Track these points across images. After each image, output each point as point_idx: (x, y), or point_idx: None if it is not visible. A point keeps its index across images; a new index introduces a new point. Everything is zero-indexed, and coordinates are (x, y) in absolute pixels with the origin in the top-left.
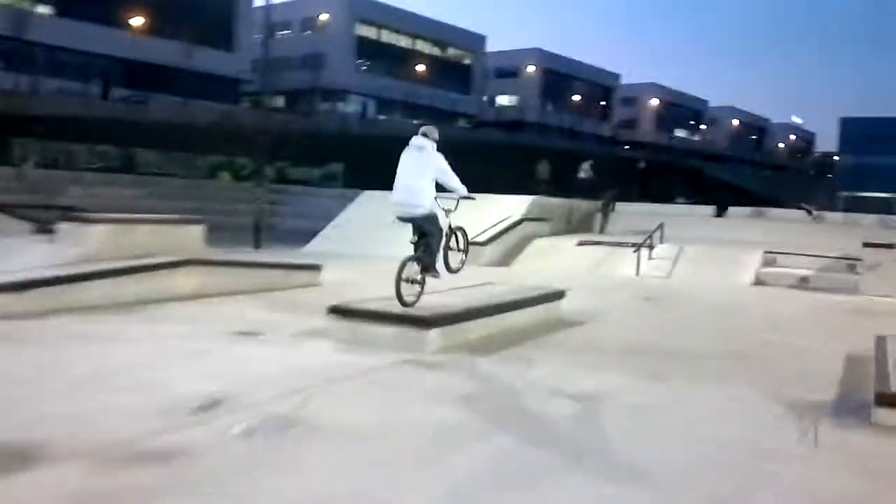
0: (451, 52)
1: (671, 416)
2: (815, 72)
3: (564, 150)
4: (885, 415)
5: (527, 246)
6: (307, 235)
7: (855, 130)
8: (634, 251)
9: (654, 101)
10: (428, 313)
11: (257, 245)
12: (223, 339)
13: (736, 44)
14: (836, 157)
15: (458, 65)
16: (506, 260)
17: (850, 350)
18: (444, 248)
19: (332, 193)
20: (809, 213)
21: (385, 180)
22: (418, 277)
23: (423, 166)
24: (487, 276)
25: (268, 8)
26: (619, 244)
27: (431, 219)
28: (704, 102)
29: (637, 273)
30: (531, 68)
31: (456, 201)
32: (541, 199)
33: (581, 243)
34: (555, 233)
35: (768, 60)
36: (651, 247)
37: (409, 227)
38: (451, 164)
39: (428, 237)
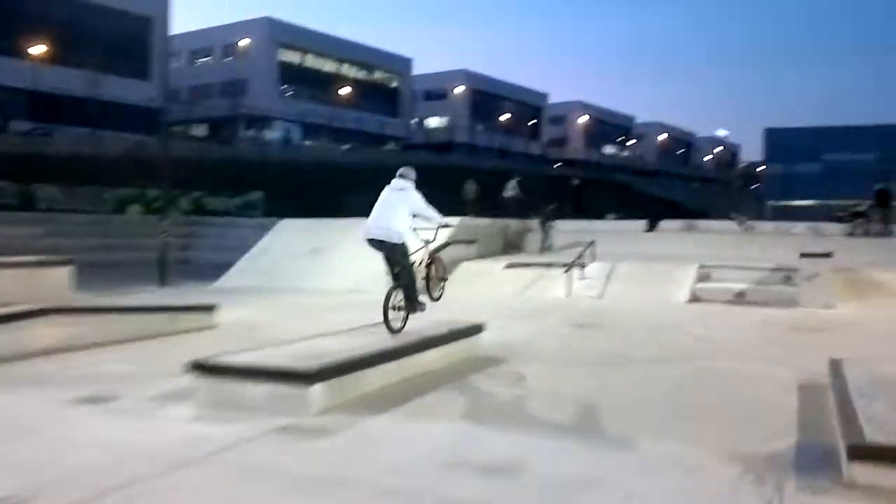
0: (378, 75)
1: (602, 494)
2: (739, 85)
3: (494, 169)
4: (860, 472)
5: (453, 270)
6: (224, 269)
7: (779, 141)
8: (565, 272)
9: (583, 119)
10: (312, 364)
11: (163, 282)
12: (60, 408)
13: (660, 60)
14: (760, 168)
15: (385, 88)
16: None
17: (802, 376)
18: (424, 278)
19: (252, 223)
20: (741, 223)
21: (310, 207)
22: (403, 304)
23: (401, 203)
24: None
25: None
26: (549, 265)
27: (401, 250)
28: (631, 119)
29: (568, 294)
30: (459, 89)
31: (435, 231)
32: (468, 221)
33: (510, 266)
34: (484, 255)
35: (693, 74)
36: (582, 266)
37: (361, 256)
38: (375, 187)
39: (399, 269)
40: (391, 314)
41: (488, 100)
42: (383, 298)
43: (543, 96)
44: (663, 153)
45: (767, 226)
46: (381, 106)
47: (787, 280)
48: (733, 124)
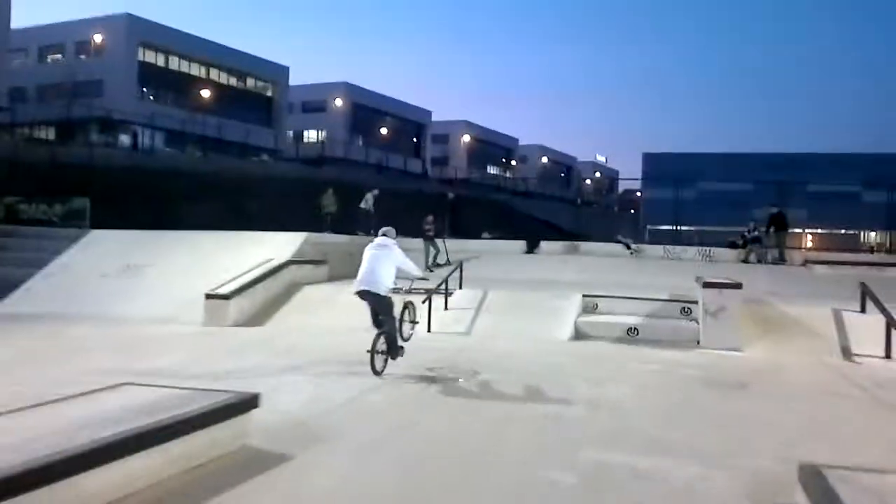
0: (252, 82)
1: None
2: (618, 112)
3: (371, 185)
4: None
5: (294, 295)
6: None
7: (656, 165)
8: (424, 301)
9: (466, 138)
10: None
11: None
12: None
13: (543, 85)
14: (638, 193)
15: (259, 96)
16: (260, 317)
17: (753, 488)
18: (399, 321)
19: (71, 234)
20: (628, 246)
21: (149, 217)
22: (385, 349)
23: (386, 259)
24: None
25: None
26: (411, 291)
27: (386, 303)
28: (515, 140)
29: (429, 329)
30: (339, 102)
31: (410, 281)
32: (317, 237)
33: None
34: (336, 277)
35: (575, 101)
36: (448, 294)
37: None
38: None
39: (382, 319)
40: (377, 358)
41: (369, 114)
42: (371, 344)
43: (427, 113)
44: (545, 176)
45: (657, 249)
46: (254, 115)
47: (686, 313)
48: (615, 151)
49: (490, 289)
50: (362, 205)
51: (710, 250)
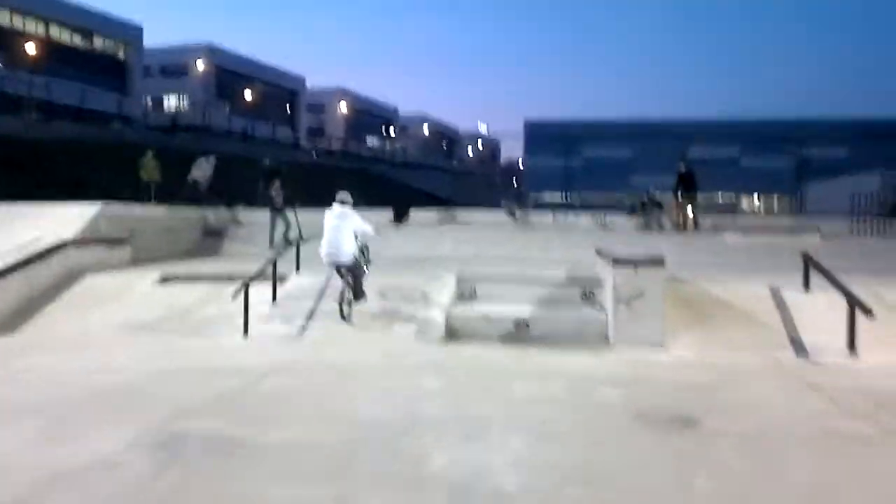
0: (100, 42)
1: None
2: (502, 81)
3: (234, 154)
4: None
5: (70, 288)
6: None
7: (539, 133)
8: (234, 296)
9: (343, 107)
10: None
11: None
12: None
13: (425, 54)
14: (520, 162)
15: (108, 57)
16: (14, 320)
17: None
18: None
19: None
20: (513, 213)
21: None
22: (352, 298)
23: (346, 227)
24: None
25: None
26: (230, 278)
27: (355, 265)
28: (395, 110)
29: (245, 333)
30: (201, 65)
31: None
32: (119, 210)
33: (165, 279)
34: (145, 260)
35: (457, 70)
36: (278, 280)
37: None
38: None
39: (353, 276)
40: (345, 308)
41: (235, 80)
42: (338, 294)
43: (301, 80)
44: (427, 147)
45: (545, 218)
46: (102, 78)
47: (588, 299)
48: (497, 120)
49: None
50: (193, 172)
51: (605, 216)
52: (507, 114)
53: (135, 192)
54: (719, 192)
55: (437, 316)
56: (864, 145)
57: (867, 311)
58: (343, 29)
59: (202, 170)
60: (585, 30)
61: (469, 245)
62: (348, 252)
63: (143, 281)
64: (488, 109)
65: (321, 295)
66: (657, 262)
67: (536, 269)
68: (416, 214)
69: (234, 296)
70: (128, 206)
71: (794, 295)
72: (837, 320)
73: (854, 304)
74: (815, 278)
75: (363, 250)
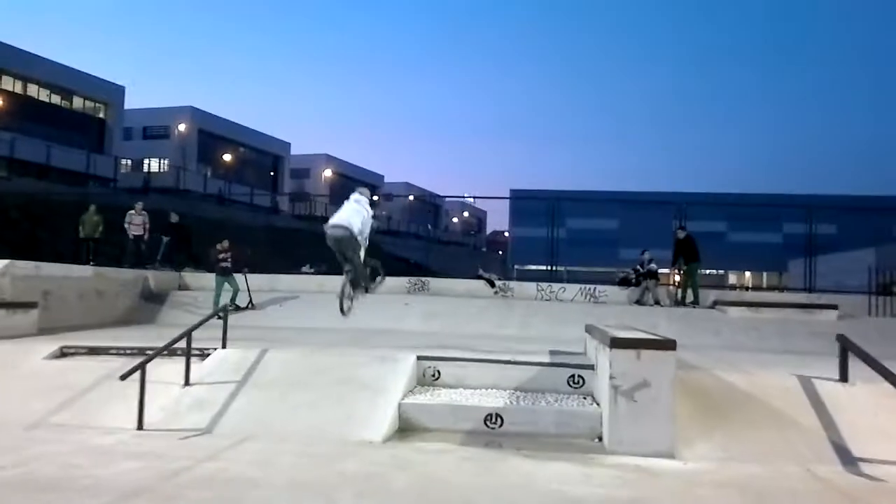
0: (80, 102)
1: None
2: (489, 152)
3: (212, 218)
4: None
5: None
6: None
7: (523, 203)
8: (124, 376)
9: (328, 173)
10: None
11: None
12: None
13: (411, 123)
14: (506, 234)
15: (88, 118)
16: None
17: None
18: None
19: None
20: (492, 283)
21: None
22: (352, 293)
23: (357, 210)
24: None
25: None
26: (142, 351)
27: (353, 243)
28: (381, 177)
29: (139, 426)
30: (183, 128)
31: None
32: (28, 268)
33: (65, 353)
34: (63, 327)
35: (444, 140)
36: (191, 355)
37: None
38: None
39: (351, 261)
40: (345, 302)
41: (218, 143)
42: (339, 288)
43: (286, 145)
44: (411, 214)
45: (526, 288)
46: (81, 138)
47: (577, 385)
48: (483, 192)
49: (277, 346)
50: (131, 228)
51: (594, 288)
52: (497, 185)
53: (75, 251)
54: (708, 270)
55: (388, 406)
56: (852, 222)
57: None
58: (328, 95)
59: (137, 222)
60: (584, 100)
61: (439, 319)
62: (349, 222)
63: (36, 355)
64: (477, 181)
65: (248, 374)
66: (665, 345)
67: (515, 349)
68: (387, 282)
69: (126, 376)
70: (42, 266)
71: (829, 388)
72: (888, 421)
73: None
74: (853, 367)
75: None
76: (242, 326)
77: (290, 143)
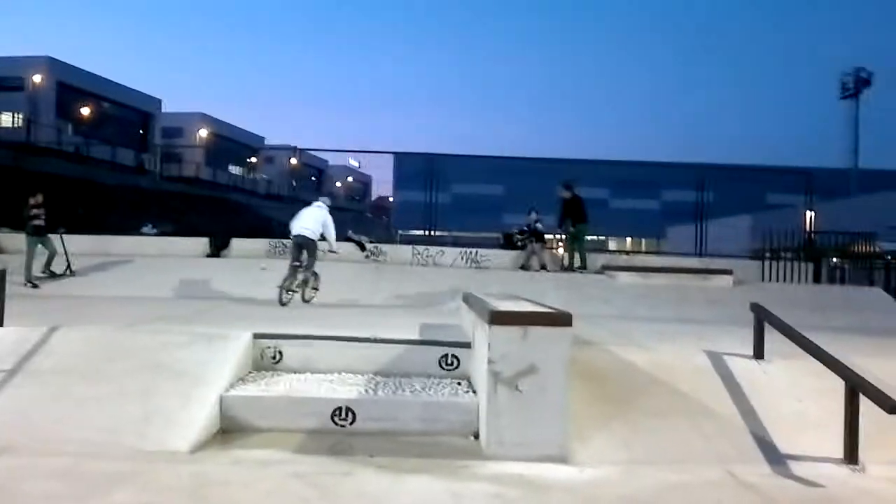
0: None
1: None
2: (372, 121)
3: (70, 176)
4: None
5: None
6: None
7: (407, 167)
8: None
9: (203, 133)
10: None
11: None
12: None
13: (298, 87)
14: (391, 198)
15: None
16: None
17: None
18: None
19: None
20: (362, 246)
21: None
22: (296, 287)
23: (317, 216)
24: None
25: None
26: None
27: (314, 245)
28: (261, 139)
29: None
30: (39, 79)
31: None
32: None
33: None
34: None
35: (331, 105)
36: None
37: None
38: None
39: (308, 258)
40: (284, 295)
41: (80, 97)
42: (282, 281)
43: (156, 102)
44: (295, 178)
45: (402, 251)
46: None
47: (450, 367)
48: (369, 157)
49: (68, 324)
50: None
51: (476, 252)
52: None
53: None
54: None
55: (205, 400)
56: (728, 190)
57: (889, 406)
58: (208, 59)
59: None
60: (469, 66)
61: None
62: (311, 229)
63: None
64: (365, 146)
65: (27, 358)
66: (559, 319)
67: (380, 323)
68: (240, 244)
69: None
70: None
71: (744, 366)
72: (814, 406)
73: (859, 389)
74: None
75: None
76: (54, 296)
77: (160, 100)
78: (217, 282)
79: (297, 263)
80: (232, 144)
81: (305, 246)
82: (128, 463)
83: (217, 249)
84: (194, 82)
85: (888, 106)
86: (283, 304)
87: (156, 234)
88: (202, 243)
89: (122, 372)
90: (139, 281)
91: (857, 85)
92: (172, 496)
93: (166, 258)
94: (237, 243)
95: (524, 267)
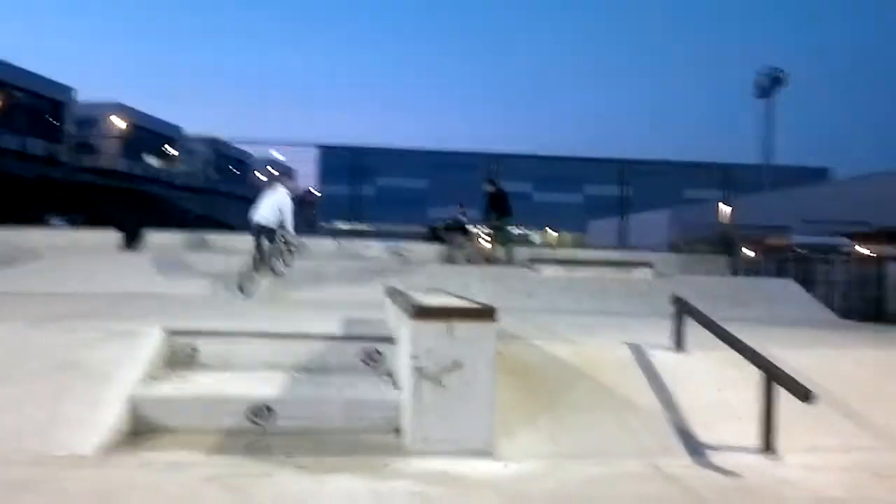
0: None
1: None
2: (296, 113)
3: None
4: None
5: None
6: None
7: (333, 160)
8: None
9: (120, 123)
10: None
11: None
12: None
13: (216, 77)
14: (314, 191)
15: None
16: None
17: None
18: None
19: None
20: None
21: None
22: (256, 275)
23: (273, 201)
24: None
25: None
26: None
27: (272, 232)
28: (178, 129)
29: None
30: None
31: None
32: None
33: None
34: None
35: (253, 95)
36: None
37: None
38: None
39: (267, 244)
40: (245, 285)
41: None
42: (244, 269)
43: (67, 90)
44: (215, 169)
45: (325, 243)
46: None
47: (372, 363)
48: (293, 150)
49: None
50: None
51: (402, 245)
52: (306, 145)
53: None
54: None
55: (115, 400)
56: (647, 185)
57: (803, 395)
58: (127, 51)
59: None
60: (391, 58)
61: (216, 282)
62: (266, 216)
63: None
64: (288, 137)
65: None
66: (484, 314)
67: (301, 316)
68: (157, 237)
69: None
70: None
71: (665, 359)
72: (733, 396)
73: (775, 379)
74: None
75: (283, 237)
76: None
77: (73, 89)
78: (131, 276)
79: (258, 254)
80: (149, 135)
81: (264, 234)
82: (29, 468)
83: (132, 242)
84: (115, 72)
85: (803, 104)
86: (242, 291)
87: (67, 227)
88: (116, 236)
89: (28, 372)
90: (48, 275)
91: (771, 84)
92: (86, 485)
93: (78, 252)
94: (153, 236)
95: (449, 260)
